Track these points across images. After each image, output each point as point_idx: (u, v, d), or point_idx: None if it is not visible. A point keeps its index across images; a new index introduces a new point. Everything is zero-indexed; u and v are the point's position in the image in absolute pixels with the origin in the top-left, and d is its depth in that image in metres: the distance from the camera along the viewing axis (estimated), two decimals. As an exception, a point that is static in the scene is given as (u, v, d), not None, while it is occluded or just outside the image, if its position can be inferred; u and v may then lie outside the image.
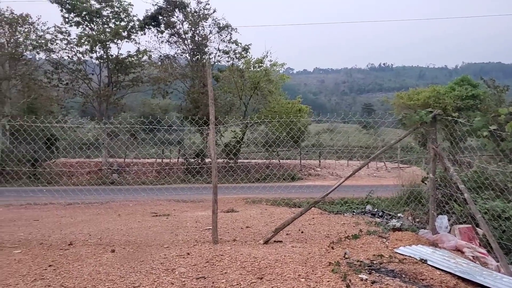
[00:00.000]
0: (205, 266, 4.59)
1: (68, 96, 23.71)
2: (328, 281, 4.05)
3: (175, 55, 23.80)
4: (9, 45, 21.69)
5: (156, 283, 4.06)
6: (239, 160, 23.44)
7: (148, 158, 26.11)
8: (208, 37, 23.15)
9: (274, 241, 5.85)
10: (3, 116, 20.44)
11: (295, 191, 13.57)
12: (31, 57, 23.80)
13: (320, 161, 26.31)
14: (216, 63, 24.28)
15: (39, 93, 24.03)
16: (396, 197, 9.80)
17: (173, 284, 4.03)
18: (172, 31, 22.89)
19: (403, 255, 5.08)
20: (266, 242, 5.76)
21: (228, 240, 6.00)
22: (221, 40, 23.35)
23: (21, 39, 21.90)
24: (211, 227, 6.02)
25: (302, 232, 6.66)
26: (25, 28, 21.96)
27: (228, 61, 24.10)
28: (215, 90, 23.79)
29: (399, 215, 8.55)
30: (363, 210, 9.40)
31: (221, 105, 22.59)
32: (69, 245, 5.85)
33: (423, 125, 6.21)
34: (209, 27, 23.07)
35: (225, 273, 4.34)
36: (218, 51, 23.47)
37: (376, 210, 9.27)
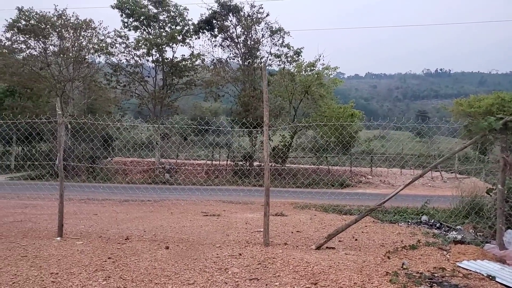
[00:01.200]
0: (257, 268, 4.54)
1: (125, 97, 24.88)
2: (387, 292, 3.84)
3: (228, 59, 24.19)
4: (73, 48, 23.18)
5: (210, 281, 4.07)
6: (287, 165, 23.29)
7: (198, 160, 26.73)
8: (260, 41, 23.29)
9: (327, 247, 5.69)
10: (67, 115, 21.85)
11: (345, 198, 13.21)
12: (92, 60, 25.28)
13: (371, 169, 25.48)
14: (268, 67, 24.36)
15: (99, 94, 25.47)
16: (455, 209, 9.19)
17: (226, 283, 4.02)
18: (225, 35, 23.28)
19: (467, 269, 4.72)
20: (318, 248, 5.61)
21: (279, 243, 5.92)
22: (273, 43, 23.39)
23: (84, 43, 23.34)
24: (261, 229, 5.99)
25: (355, 240, 6.43)
26: (88, 32, 23.37)
27: (279, 65, 24.09)
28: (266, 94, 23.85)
29: (458, 227, 8.01)
30: (418, 220, 8.92)
31: (271, 109, 22.57)
32: (125, 239, 6.07)
33: (491, 132, 5.75)
34: (261, 31, 23.20)
35: (278, 276, 4.26)
36: (269, 55, 23.54)
37: (432, 221, 8.76)
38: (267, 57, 23.61)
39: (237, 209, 10.67)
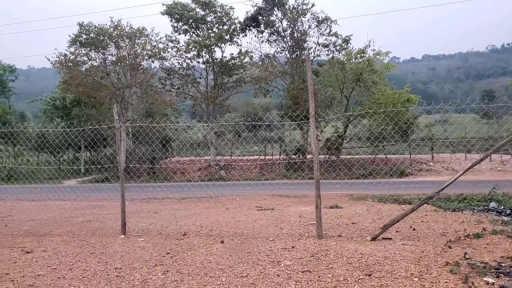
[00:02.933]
0: (310, 260, 4.52)
1: (179, 99, 25.84)
2: (446, 282, 3.63)
3: (275, 54, 24.20)
4: (129, 56, 24.47)
5: (262, 274, 4.11)
6: (342, 156, 22.81)
7: (251, 155, 27.06)
8: (307, 32, 22.99)
9: (383, 238, 5.50)
10: (126, 120, 23.17)
11: (404, 187, 12.65)
12: (147, 66, 26.52)
13: (432, 155, 24.16)
14: (316, 57, 23.99)
15: (155, 98, 26.68)
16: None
17: (279, 276, 4.04)
18: (272, 30, 23.29)
19: (541, 259, 4.32)
20: (373, 239, 5.45)
21: (333, 236, 5.84)
22: (320, 34, 23.00)
23: (139, 51, 24.56)
24: (315, 222, 5.93)
25: (413, 230, 6.15)
26: (142, 40, 24.56)
27: (328, 55, 23.65)
28: (315, 84, 23.52)
29: (533, 214, 7.35)
30: (485, 207, 8.31)
31: (321, 100, 22.24)
32: (183, 235, 6.32)
33: None
34: (307, 22, 22.92)
35: (331, 268, 4.20)
36: (317, 45, 23.18)
37: (502, 207, 8.12)
38: (315, 48, 23.26)
39: (291, 203, 10.66)
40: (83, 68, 25.14)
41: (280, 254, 4.84)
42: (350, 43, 23.21)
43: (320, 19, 22.62)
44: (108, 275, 4.26)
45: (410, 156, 23.15)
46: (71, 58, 24.24)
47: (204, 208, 9.96)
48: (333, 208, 9.25)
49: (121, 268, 4.48)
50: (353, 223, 7.01)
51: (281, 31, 23.27)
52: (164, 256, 4.97)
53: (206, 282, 3.94)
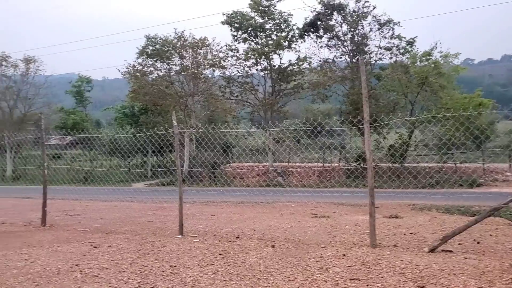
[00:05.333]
0: (360, 268, 4.42)
1: (239, 107, 26.48)
2: (511, 301, 3.36)
3: (334, 58, 23.86)
4: (192, 66, 25.59)
5: (310, 279, 4.11)
6: (406, 164, 21.75)
7: (310, 162, 26.79)
8: (368, 35, 22.40)
9: (442, 250, 5.19)
10: (190, 127, 24.20)
11: (475, 199, 11.79)
12: (209, 75, 27.54)
13: (510, 164, 22.12)
14: (377, 61, 23.24)
15: (216, 106, 27.56)
16: None
17: (326, 282, 4.01)
18: (331, 34, 23.00)
19: None
20: (431, 251, 5.17)
21: (387, 245, 5.63)
22: (382, 37, 22.27)
23: (200, 60, 25.59)
24: (369, 231, 5.77)
25: (478, 243, 5.72)
26: (204, 50, 25.56)
27: (390, 58, 22.79)
28: (377, 89, 22.76)
29: None
30: None
31: (383, 105, 21.45)
32: (236, 238, 6.48)
33: None
34: (369, 25, 22.31)
35: (381, 277, 4.07)
36: (379, 49, 22.45)
37: None
38: (377, 51, 22.57)
39: (348, 211, 10.42)
40: (150, 78, 26.74)
41: (330, 261, 4.79)
42: (415, 46, 22.20)
43: (382, 21, 21.92)
44: (163, 271, 4.52)
45: (484, 165, 21.42)
46: (138, 68, 25.93)
47: (259, 212, 10.09)
48: (392, 217, 8.89)
49: (175, 266, 4.73)
50: (411, 233, 6.70)
51: (341, 35, 22.91)
52: (216, 257, 5.15)
53: (253, 283, 4.03)
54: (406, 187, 16.63)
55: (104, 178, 21.74)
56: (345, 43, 22.94)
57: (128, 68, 25.85)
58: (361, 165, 20.44)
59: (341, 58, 23.74)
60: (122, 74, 26.53)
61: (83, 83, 52.50)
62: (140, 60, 25.77)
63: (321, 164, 24.22)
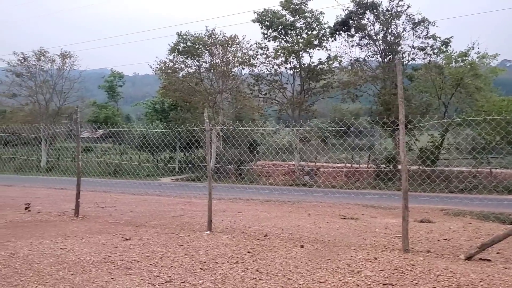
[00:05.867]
0: (393, 273, 4.29)
1: (267, 105, 26.45)
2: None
3: (366, 58, 23.41)
4: (221, 63, 25.75)
5: (341, 282, 4.02)
6: (438, 167, 21.09)
7: (337, 163, 26.43)
8: (401, 35, 21.83)
9: (479, 259, 4.98)
10: (217, 123, 24.39)
11: (512, 206, 11.31)
12: (237, 72, 27.64)
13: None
14: (410, 61, 22.63)
15: (244, 104, 27.64)
16: None
17: (358, 285, 3.91)
18: (363, 33, 22.59)
19: None
20: (468, 258, 4.96)
21: (420, 251, 5.46)
22: (416, 36, 21.67)
23: (230, 58, 25.70)
24: (401, 235, 5.61)
25: (519, 253, 5.45)
26: (234, 47, 25.66)
27: (424, 58, 22.14)
28: (409, 90, 22.18)
29: None
30: None
31: (416, 106, 20.88)
32: (264, 236, 6.45)
33: None
34: (402, 24, 21.75)
35: (416, 283, 3.93)
36: (412, 49, 21.86)
37: None
38: (410, 51, 21.98)
39: (377, 214, 10.20)
40: (180, 75, 27.13)
41: (361, 264, 4.68)
42: (450, 46, 21.46)
43: (416, 21, 21.31)
44: (193, 267, 4.55)
45: (523, 172, 20.48)
46: (170, 65, 26.33)
47: (286, 212, 10.03)
48: (424, 222, 8.64)
49: (205, 262, 4.75)
50: (445, 239, 6.47)
51: (373, 34, 22.44)
52: (245, 254, 5.14)
53: (283, 283, 3.98)
54: (437, 191, 16.15)
55: (133, 171, 22.24)
56: (377, 43, 22.46)
57: (160, 65, 26.31)
58: (391, 167, 20.02)
59: (372, 57, 23.31)
60: (153, 70, 27.05)
61: (115, 78, 53.99)
62: (171, 57, 26.20)
63: (349, 165, 23.85)
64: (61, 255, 4.93)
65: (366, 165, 23.08)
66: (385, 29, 21.91)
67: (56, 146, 32.09)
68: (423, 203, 12.05)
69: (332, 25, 23.11)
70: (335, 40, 23.59)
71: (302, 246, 5.67)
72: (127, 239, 5.96)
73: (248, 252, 5.28)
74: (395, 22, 21.74)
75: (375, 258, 4.94)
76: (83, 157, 13.42)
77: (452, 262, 4.82)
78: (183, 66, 26.42)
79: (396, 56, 21.64)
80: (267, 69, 24.40)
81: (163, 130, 16.45)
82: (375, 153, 23.38)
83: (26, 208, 9.11)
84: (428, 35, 21.36)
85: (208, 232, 6.70)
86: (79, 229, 6.74)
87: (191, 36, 25.63)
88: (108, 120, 42.96)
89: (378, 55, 22.70)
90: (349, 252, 5.32)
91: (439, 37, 21.42)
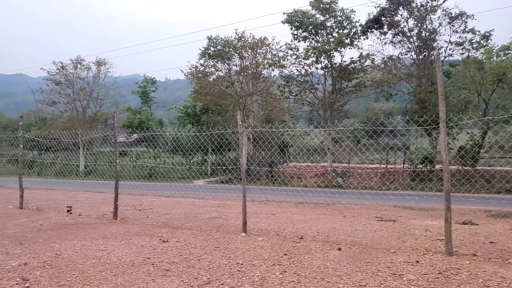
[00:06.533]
0: (437, 277, 4.12)
1: (297, 106, 26.26)
2: None
3: (399, 55, 22.75)
4: (251, 66, 25.83)
5: (382, 285, 3.90)
6: (479, 167, 20.19)
7: (371, 164, 25.87)
8: (437, 30, 21.08)
9: (532, 263, 4.70)
10: (248, 126, 24.47)
11: None
12: (267, 74, 27.63)
13: None
14: (447, 57, 21.78)
15: (274, 105, 27.59)
16: None
17: (401, 290, 3.78)
18: (396, 30, 21.98)
19: None
20: (519, 263, 4.69)
21: (465, 254, 5.22)
22: (453, 31, 20.83)
23: (260, 60, 25.73)
24: (443, 237, 5.40)
25: None
26: (263, 49, 25.67)
27: (462, 54, 21.27)
28: (446, 87, 21.36)
29: None
30: None
31: (453, 104, 20.08)
32: (300, 238, 6.38)
33: None
34: (438, 19, 20.99)
35: (464, 289, 3.76)
36: (449, 44, 21.04)
37: None
38: (446, 47, 21.19)
39: (415, 215, 9.87)
40: (211, 79, 27.44)
41: (403, 268, 4.53)
42: (491, 39, 20.50)
43: (453, 15, 20.53)
44: (231, 268, 4.55)
45: None
46: (200, 69, 26.69)
47: (320, 214, 9.90)
48: (466, 224, 8.26)
49: (242, 264, 4.74)
50: (491, 242, 6.16)
51: (407, 31, 21.79)
52: (281, 257, 5.10)
53: (323, 286, 3.91)
54: (479, 192, 15.46)
55: (167, 174, 22.67)
56: (411, 39, 21.80)
57: (191, 69, 26.72)
58: (428, 167, 19.34)
59: (406, 54, 22.62)
60: (185, 75, 27.51)
61: (148, 84, 55.38)
62: (202, 61, 26.52)
63: (384, 166, 23.28)
64: (102, 257, 5.08)
65: (402, 166, 22.44)
66: (419, 25, 21.21)
67: (93, 151, 33.25)
68: (463, 204, 11.56)
69: (363, 23, 22.65)
70: (367, 38, 23.09)
71: (339, 249, 5.56)
72: (164, 241, 6.06)
73: (285, 254, 5.24)
74: (430, 17, 21.01)
75: (417, 262, 4.77)
76: (119, 161, 13.82)
77: (501, 266, 4.57)
78: (214, 70, 26.72)
79: (434, 52, 20.88)
80: (297, 69, 24.24)
81: (195, 134, 16.69)
82: (410, 153, 22.68)
83: (68, 211, 9.47)
84: (466, 29, 20.50)
85: (243, 234, 6.71)
86: (118, 231, 6.92)
87: (221, 40, 25.89)
88: (142, 124, 44.07)
89: (413, 52, 22.01)
90: (389, 255, 5.17)
91: (478, 31, 20.52)
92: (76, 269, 4.49)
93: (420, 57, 21.71)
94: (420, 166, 20.11)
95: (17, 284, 3.95)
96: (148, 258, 5.02)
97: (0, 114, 69.71)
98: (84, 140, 28.57)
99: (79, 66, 33.97)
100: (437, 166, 19.71)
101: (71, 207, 9.84)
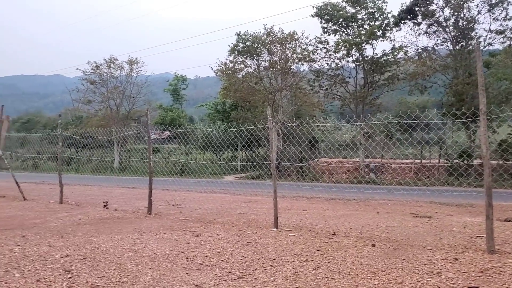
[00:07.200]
0: (478, 276, 3.95)
1: (328, 100, 25.87)
2: None
3: (434, 46, 21.89)
4: (280, 61, 25.67)
5: (420, 283, 3.79)
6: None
7: (405, 159, 25.17)
8: (476, 18, 20.13)
9: None
10: (277, 122, 24.36)
11: None
12: (297, 69, 27.36)
13: None
14: (486, 47, 20.77)
15: (304, 100, 27.31)
16: None
17: (439, 287, 3.66)
18: (431, 20, 21.17)
19: None
20: None
21: (508, 252, 4.98)
22: (493, 19, 19.82)
23: (289, 55, 25.53)
24: (483, 235, 5.18)
25: None
26: (292, 44, 25.44)
27: (503, 42, 20.21)
28: (486, 78, 20.39)
29: None
30: None
31: (494, 95, 19.15)
32: (332, 234, 6.31)
33: None
34: (476, 7, 20.03)
35: (507, 288, 3.59)
36: (489, 33, 20.05)
37: None
38: (486, 36, 20.21)
39: (453, 212, 9.53)
40: (240, 75, 27.50)
41: (441, 265, 4.38)
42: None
43: (493, 1, 19.54)
44: (263, 263, 4.56)
45: None
46: (230, 66, 26.80)
47: (353, 210, 9.74)
48: (509, 221, 7.89)
49: (274, 259, 4.74)
50: (537, 240, 5.85)
51: (442, 20, 20.94)
52: (314, 253, 5.06)
53: (357, 283, 3.84)
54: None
55: (198, 170, 23.01)
56: (447, 29, 20.94)
57: (220, 66, 26.90)
58: (466, 162, 18.59)
59: (442, 45, 21.74)
60: (214, 72, 27.74)
61: (179, 82, 56.31)
62: (231, 58, 26.63)
63: (419, 161, 22.59)
64: (138, 250, 5.22)
65: (437, 160, 21.69)
66: (456, 13, 20.32)
67: (127, 148, 34.20)
68: (506, 200, 11.06)
69: (396, 14, 21.96)
70: (400, 29, 22.36)
71: (373, 245, 5.45)
72: (197, 235, 6.15)
73: (317, 250, 5.19)
74: (468, 5, 20.10)
75: (456, 259, 4.61)
76: (153, 158, 14.14)
77: (549, 266, 4.33)
78: (243, 66, 26.78)
79: (473, 41, 19.96)
80: (327, 63, 23.85)
81: (225, 130, 16.81)
82: (446, 147, 21.88)
83: (104, 206, 9.81)
84: (508, 16, 19.47)
85: (275, 229, 6.71)
86: (152, 226, 7.09)
87: (250, 36, 25.89)
88: (174, 122, 44.94)
89: (449, 43, 21.11)
90: (426, 252, 5.03)
91: (523, 17, 19.46)
92: (113, 262, 4.64)
93: (457, 47, 20.83)
94: (458, 160, 19.36)
95: (60, 275, 4.13)
96: (182, 252, 5.11)
97: (40, 113, 72.98)
98: (118, 137, 29.45)
99: (112, 65, 34.99)
100: (475, 161, 18.91)
101: (107, 202, 10.18)
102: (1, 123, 12.39)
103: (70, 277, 4.04)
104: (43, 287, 3.76)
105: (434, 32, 21.55)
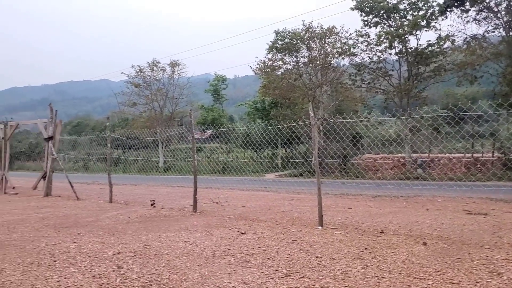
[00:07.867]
0: (546, 278, 3.66)
1: (370, 95, 25.15)
2: None
3: (485, 34, 20.61)
4: (320, 56, 25.27)
5: (478, 284, 3.57)
6: None
7: (454, 153, 23.95)
8: (531, 1, 18.77)
9: None
10: (318, 118, 24.01)
11: None
12: (337, 64, 26.81)
13: None
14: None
15: (345, 95, 26.74)
16: None
17: (501, 290, 3.43)
18: (480, 6, 19.96)
19: None
20: None
21: None
22: (549, 1, 18.42)
23: (329, 49, 25.08)
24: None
25: None
26: (332, 38, 24.97)
27: None
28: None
29: None
30: None
31: (556, 83, 17.79)
32: (380, 232, 6.12)
33: None
34: (531, -11, 18.68)
35: None
36: (545, 16, 18.65)
37: None
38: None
39: (511, 208, 8.93)
40: (279, 72, 27.39)
41: (501, 266, 4.12)
42: None
43: (549, -17, 18.15)
44: (310, 262, 4.49)
45: None
46: (268, 64, 26.77)
47: (400, 207, 9.40)
48: None
49: (321, 257, 4.66)
50: None
51: (494, 6, 19.68)
52: (362, 251, 4.92)
53: (409, 282, 3.69)
54: None
55: (239, 168, 23.20)
56: (499, 15, 19.65)
57: (259, 64, 26.94)
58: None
59: (493, 32, 20.44)
60: (253, 70, 27.82)
61: (219, 82, 57.10)
62: (270, 56, 26.58)
63: (470, 155, 21.41)
64: (186, 248, 5.32)
65: (491, 154, 20.44)
66: (509, -2, 19.07)
67: (171, 148, 35.13)
68: None
69: (441, 2, 20.90)
70: (446, 18, 21.24)
71: (424, 244, 5.23)
72: (242, 233, 6.19)
73: (365, 248, 5.05)
74: (524, -14, 18.78)
75: (519, 260, 4.30)
76: (196, 157, 14.41)
77: None
78: (281, 63, 26.63)
79: None
80: (369, 57, 23.15)
81: (265, 128, 16.78)
82: (500, 140, 20.55)
83: (151, 205, 10.13)
84: None
85: (320, 227, 6.61)
86: (198, 224, 7.22)
87: (288, 33, 25.69)
88: (215, 121, 45.68)
89: (501, 29, 19.78)
90: (483, 251, 4.75)
91: None
92: (163, 259, 4.76)
93: (510, 33, 19.51)
94: (513, 154, 18.17)
95: (113, 271, 4.29)
96: (228, 249, 5.15)
97: (88, 117, 76.88)
98: (162, 138, 30.32)
99: (155, 68, 36.10)
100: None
101: (154, 201, 10.50)
102: (55, 127, 13.17)
103: (122, 274, 4.19)
104: (99, 282, 3.92)
105: (484, 18, 20.30)
